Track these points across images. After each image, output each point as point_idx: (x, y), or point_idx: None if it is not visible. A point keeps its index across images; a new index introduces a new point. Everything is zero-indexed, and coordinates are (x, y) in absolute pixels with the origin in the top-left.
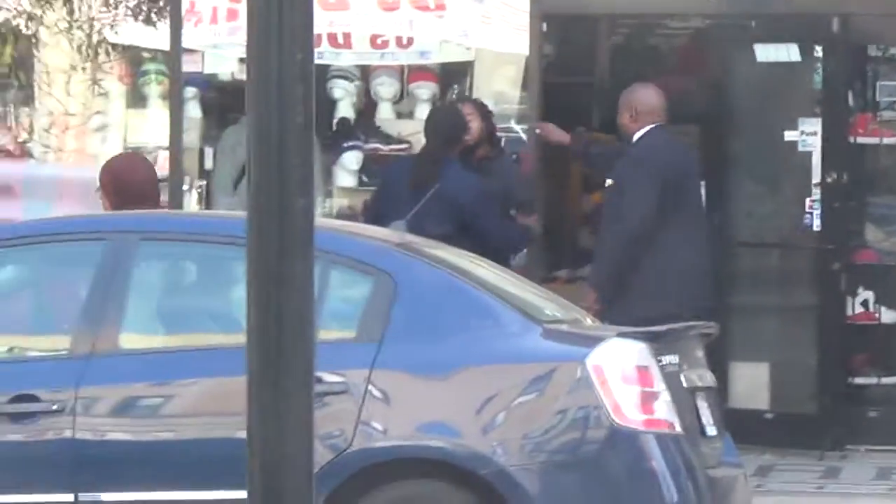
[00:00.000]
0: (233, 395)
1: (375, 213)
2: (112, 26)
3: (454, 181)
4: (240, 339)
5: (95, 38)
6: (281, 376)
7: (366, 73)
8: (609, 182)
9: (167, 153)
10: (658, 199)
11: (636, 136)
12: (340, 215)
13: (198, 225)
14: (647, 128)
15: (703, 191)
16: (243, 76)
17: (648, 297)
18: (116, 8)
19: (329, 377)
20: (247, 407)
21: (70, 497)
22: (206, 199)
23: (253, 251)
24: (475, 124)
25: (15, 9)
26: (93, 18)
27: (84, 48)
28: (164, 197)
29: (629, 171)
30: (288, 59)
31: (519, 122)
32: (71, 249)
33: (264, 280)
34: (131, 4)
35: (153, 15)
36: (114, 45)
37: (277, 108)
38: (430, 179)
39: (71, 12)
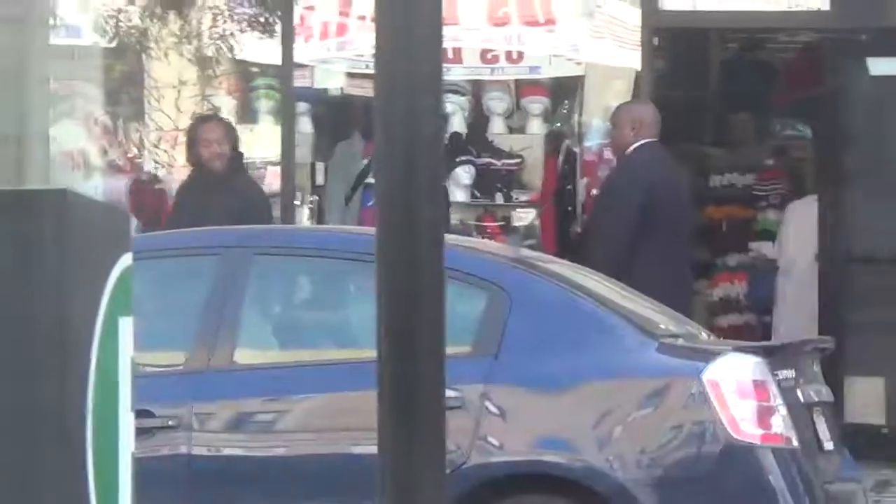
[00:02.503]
0: (348, 410)
1: None
2: (222, 41)
3: None
4: (355, 354)
5: (205, 52)
6: (412, 391)
7: (477, 87)
8: (595, 192)
9: (278, 168)
10: (639, 215)
11: (630, 149)
12: (453, 230)
13: (311, 239)
14: (643, 141)
15: (690, 212)
16: (353, 91)
17: None
18: (227, 23)
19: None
20: (378, 421)
21: None
22: (318, 214)
23: (382, 262)
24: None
25: (126, 24)
26: (203, 33)
27: (194, 63)
28: (276, 212)
29: (617, 186)
30: (417, 71)
31: None
32: (186, 264)
33: (393, 291)
34: (242, 19)
35: (264, 30)
36: (224, 60)
37: (406, 119)
38: None
39: (181, 27)
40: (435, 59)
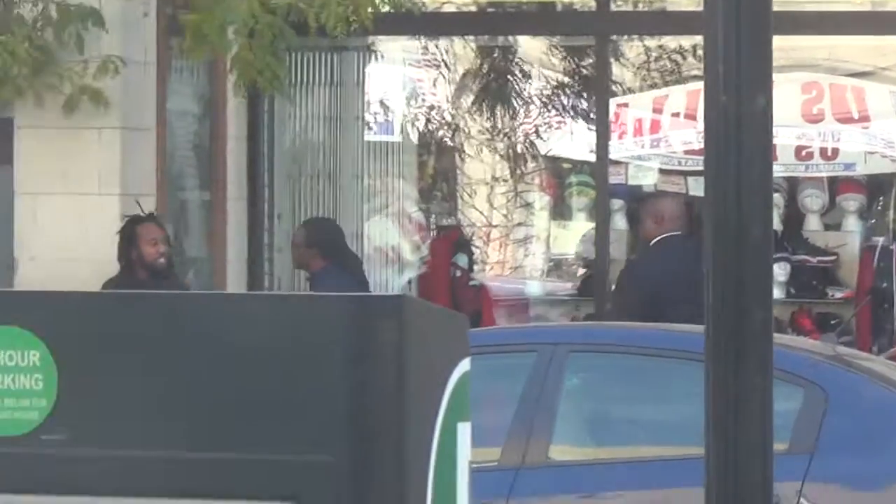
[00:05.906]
0: None
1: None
2: (536, 137)
3: None
4: (671, 451)
5: (518, 149)
6: (738, 488)
7: (792, 184)
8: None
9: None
10: (647, 308)
11: (653, 241)
12: None
13: (627, 337)
14: (666, 235)
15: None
16: (667, 187)
17: None
18: (541, 120)
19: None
20: None
21: None
22: None
23: (710, 364)
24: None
25: (439, 120)
26: (516, 130)
27: (507, 159)
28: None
29: (628, 276)
30: (746, 171)
31: None
32: (501, 361)
33: (722, 394)
34: (556, 116)
35: (579, 127)
36: (537, 157)
37: (736, 219)
38: None
39: (494, 124)
40: (765, 158)
